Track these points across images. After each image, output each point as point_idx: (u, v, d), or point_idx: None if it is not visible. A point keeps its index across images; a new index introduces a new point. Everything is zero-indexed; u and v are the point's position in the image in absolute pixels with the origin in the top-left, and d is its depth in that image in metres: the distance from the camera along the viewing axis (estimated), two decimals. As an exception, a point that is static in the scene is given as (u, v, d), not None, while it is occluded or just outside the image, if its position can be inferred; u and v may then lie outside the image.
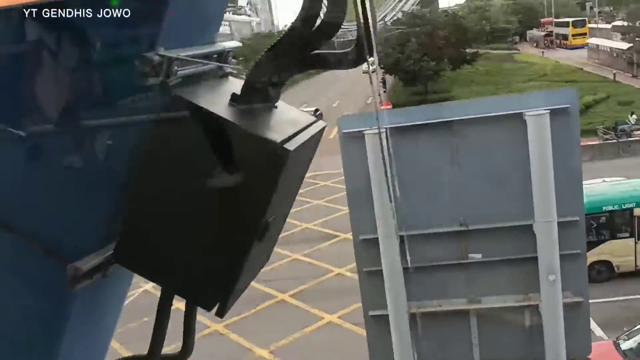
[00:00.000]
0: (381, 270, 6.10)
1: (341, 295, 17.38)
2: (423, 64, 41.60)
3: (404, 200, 5.70)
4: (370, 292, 6.48)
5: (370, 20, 1.72)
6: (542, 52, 66.98)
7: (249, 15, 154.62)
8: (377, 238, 6.00)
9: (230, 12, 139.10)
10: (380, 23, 66.54)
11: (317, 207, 26.25)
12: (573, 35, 68.16)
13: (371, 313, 6.66)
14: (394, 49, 42.03)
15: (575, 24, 69.04)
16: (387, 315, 6.44)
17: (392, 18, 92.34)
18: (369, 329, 6.89)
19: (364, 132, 5.65)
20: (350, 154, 6.09)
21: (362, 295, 6.64)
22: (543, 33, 77.01)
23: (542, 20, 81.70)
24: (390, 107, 35.41)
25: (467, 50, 46.83)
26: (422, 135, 5.80)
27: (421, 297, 6.47)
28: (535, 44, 77.08)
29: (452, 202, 6.16)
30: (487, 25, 49.88)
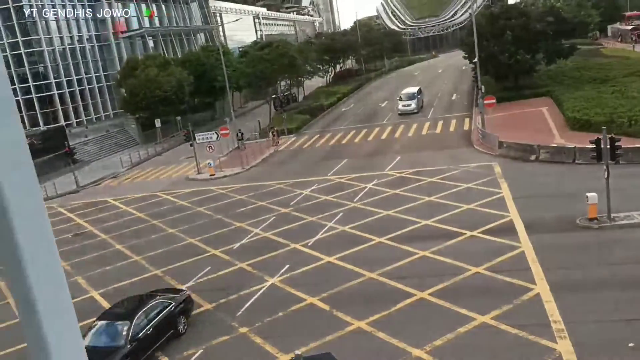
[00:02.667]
0: None
1: (486, 295, 16.27)
2: (519, 57, 39.79)
3: None
4: None
5: None
6: (633, 46, 63.45)
7: (312, 15, 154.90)
8: None
9: (294, 13, 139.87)
10: (455, 19, 64.92)
11: (430, 204, 25.12)
12: (665, 29, 64.33)
13: None
14: (487, 41, 40.37)
15: (667, 17, 65.17)
16: None
17: (463, 14, 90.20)
18: None
19: None
20: None
21: None
22: (629, 27, 73.15)
23: (627, 14, 77.73)
24: (494, 100, 33.98)
25: (564, 44, 44.55)
26: None
27: None
28: (619, 39, 73.29)
29: None
30: (588, 17, 47.34)
